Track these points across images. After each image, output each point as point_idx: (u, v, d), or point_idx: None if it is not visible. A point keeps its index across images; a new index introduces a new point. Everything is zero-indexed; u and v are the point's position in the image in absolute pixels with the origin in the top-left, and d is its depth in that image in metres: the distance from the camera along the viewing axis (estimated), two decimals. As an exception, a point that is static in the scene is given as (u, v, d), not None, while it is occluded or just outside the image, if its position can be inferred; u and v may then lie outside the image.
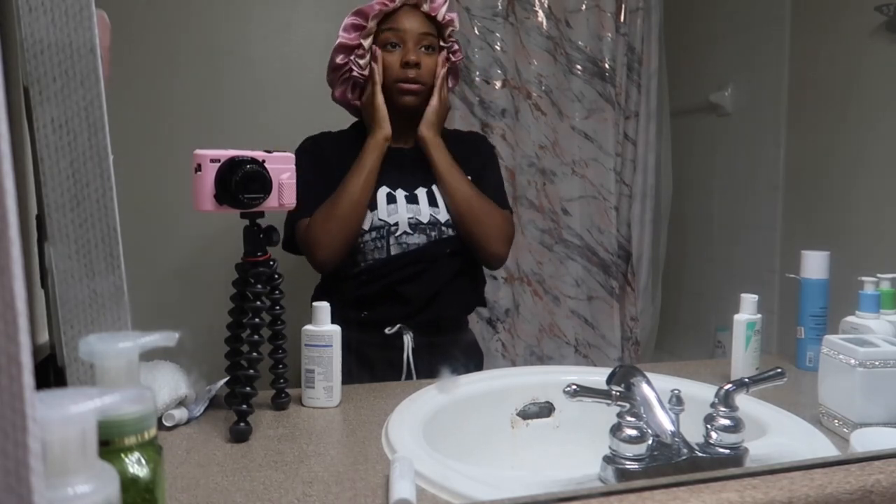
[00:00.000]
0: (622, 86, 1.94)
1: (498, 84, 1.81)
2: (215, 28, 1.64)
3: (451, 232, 1.18)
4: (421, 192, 1.19)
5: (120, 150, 0.62)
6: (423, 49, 1.16)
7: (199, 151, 0.76)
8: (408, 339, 1.16)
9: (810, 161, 1.87)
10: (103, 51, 0.60)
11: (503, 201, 1.28)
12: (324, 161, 1.17)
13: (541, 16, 1.86)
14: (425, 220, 1.17)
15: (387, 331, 1.16)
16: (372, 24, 1.14)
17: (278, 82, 1.67)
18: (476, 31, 1.78)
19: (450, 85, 1.26)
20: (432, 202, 1.18)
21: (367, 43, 1.15)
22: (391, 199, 1.17)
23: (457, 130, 1.43)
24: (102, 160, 0.59)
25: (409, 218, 1.16)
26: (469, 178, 1.21)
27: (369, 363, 1.14)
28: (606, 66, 1.90)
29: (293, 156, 0.82)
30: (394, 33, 1.15)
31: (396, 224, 1.15)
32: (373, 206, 1.15)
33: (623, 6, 1.92)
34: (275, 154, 0.80)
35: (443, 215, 1.18)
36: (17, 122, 0.70)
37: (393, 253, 1.15)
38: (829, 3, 1.81)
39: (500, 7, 1.79)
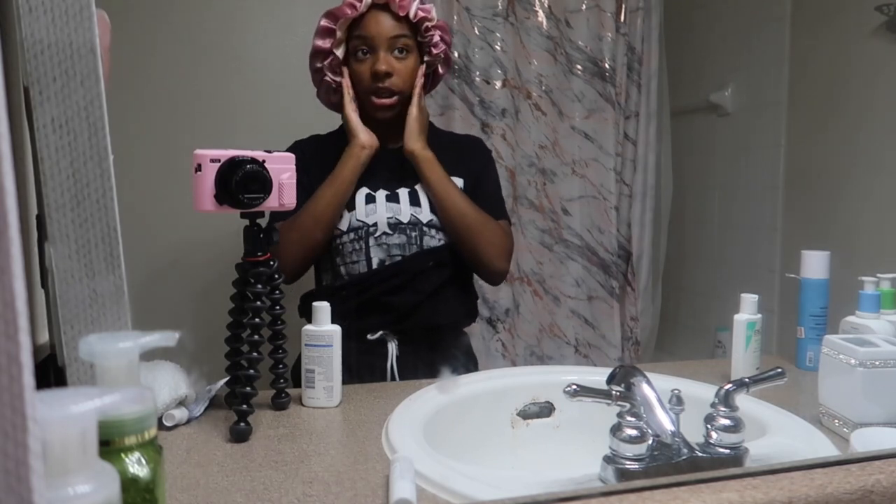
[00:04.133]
0: (622, 86, 1.94)
1: (498, 84, 1.81)
2: (216, 28, 1.64)
3: (433, 233, 1.15)
4: (403, 192, 1.15)
5: (120, 150, 0.62)
6: (396, 52, 1.12)
7: (199, 151, 0.76)
8: (392, 347, 1.14)
9: (810, 161, 1.87)
10: (103, 51, 0.60)
11: (501, 210, 1.24)
12: (304, 165, 1.14)
13: (541, 16, 1.86)
14: (405, 220, 1.13)
15: (369, 336, 1.13)
16: (341, 34, 1.12)
17: (279, 82, 1.67)
18: (476, 31, 1.78)
19: (441, 71, 1.22)
20: (414, 202, 1.15)
21: (339, 52, 1.13)
22: (370, 200, 1.14)
23: (452, 133, 1.41)
24: (102, 160, 0.59)
25: (389, 217, 1.13)
26: (463, 186, 1.18)
27: (353, 370, 1.11)
28: (606, 66, 1.90)
29: (293, 156, 0.82)
30: (363, 41, 1.11)
31: (375, 224, 1.12)
32: (350, 206, 1.13)
33: (623, 6, 1.92)
34: (275, 154, 0.80)
35: (425, 215, 1.14)
36: (18, 122, 0.70)
37: (373, 254, 1.13)
38: (829, 3, 1.81)
39: (500, 7, 1.79)
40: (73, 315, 0.59)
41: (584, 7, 1.88)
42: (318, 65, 1.15)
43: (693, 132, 2.25)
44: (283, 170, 0.80)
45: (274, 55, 1.67)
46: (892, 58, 1.62)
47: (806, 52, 1.88)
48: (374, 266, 1.13)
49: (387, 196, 1.15)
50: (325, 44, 1.12)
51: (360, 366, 1.10)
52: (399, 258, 1.13)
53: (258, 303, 0.80)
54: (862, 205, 1.70)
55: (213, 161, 0.76)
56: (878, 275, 1.00)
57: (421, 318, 1.15)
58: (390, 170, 1.16)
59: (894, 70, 1.62)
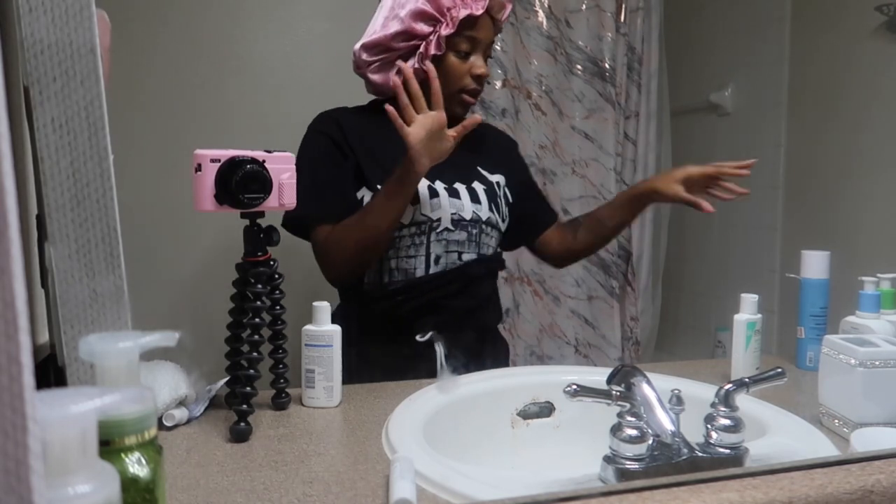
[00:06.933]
0: (622, 86, 1.94)
1: (498, 84, 1.81)
2: (215, 27, 1.64)
3: (489, 231, 1.14)
4: (461, 188, 1.13)
5: (120, 150, 0.62)
6: (485, 58, 1.13)
7: (199, 151, 0.76)
8: (439, 348, 1.08)
9: (810, 161, 1.86)
10: (103, 51, 0.60)
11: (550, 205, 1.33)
12: (345, 146, 1.11)
13: (541, 16, 1.86)
14: (468, 217, 1.11)
15: (418, 337, 1.08)
16: (452, 29, 1.05)
17: (278, 82, 1.67)
18: (476, 31, 1.78)
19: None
20: (475, 199, 1.13)
21: (441, 47, 1.07)
22: (433, 193, 1.10)
23: (493, 127, 1.36)
24: (102, 160, 0.59)
25: (453, 214, 1.10)
26: (505, 183, 1.21)
27: (401, 372, 1.04)
28: (606, 66, 1.90)
29: (293, 156, 0.82)
30: (470, 41, 1.08)
31: (439, 220, 1.09)
32: (414, 199, 1.07)
33: (623, 6, 1.92)
34: (275, 154, 0.80)
35: (484, 213, 1.13)
36: (18, 122, 0.70)
37: (432, 250, 1.10)
38: (829, 3, 1.81)
39: (500, 7, 1.79)
40: (73, 315, 0.59)
41: (584, 7, 1.88)
42: (400, 43, 1.07)
43: (693, 132, 2.25)
44: (283, 170, 0.80)
45: (274, 55, 1.67)
46: (892, 58, 1.62)
47: (806, 52, 1.88)
48: (432, 262, 1.11)
49: (446, 189, 1.12)
50: (420, 27, 1.06)
51: (406, 368, 1.06)
52: (455, 254, 1.12)
53: (258, 303, 0.80)
54: (862, 205, 1.70)
55: (213, 161, 0.76)
56: (878, 275, 1.00)
57: (474, 320, 1.15)
58: (452, 164, 1.09)
59: (894, 70, 1.62)
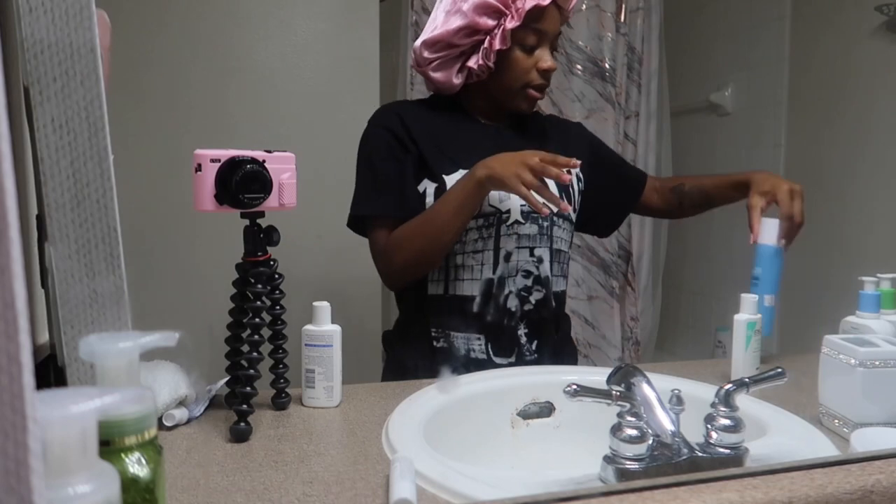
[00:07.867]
0: (622, 86, 1.94)
1: (498, 84, 1.80)
2: (215, 27, 1.64)
3: (561, 223, 1.10)
4: None
5: (120, 150, 0.62)
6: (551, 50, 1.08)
7: (199, 151, 0.76)
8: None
9: (810, 161, 1.87)
10: (103, 51, 0.60)
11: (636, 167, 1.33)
12: (407, 139, 1.07)
13: (541, 16, 1.86)
14: None
15: (497, 360, 1.06)
16: (519, 21, 1.00)
17: (278, 82, 1.67)
18: (476, 31, 1.78)
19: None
20: None
21: (506, 41, 1.02)
22: None
23: (556, 117, 1.32)
24: (102, 160, 0.59)
25: (522, 205, 1.05)
26: (601, 158, 1.18)
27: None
28: (606, 65, 1.90)
29: (293, 156, 0.82)
30: (536, 34, 1.03)
31: (508, 212, 1.05)
32: None
33: (623, 6, 1.92)
34: (275, 154, 0.80)
35: None
36: (18, 122, 0.70)
37: (502, 245, 1.05)
38: (829, 3, 1.81)
39: (500, 7, 1.79)
40: (73, 315, 0.59)
41: (584, 7, 1.88)
42: (461, 40, 1.03)
43: (693, 132, 2.25)
44: (283, 170, 0.80)
45: (273, 55, 1.68)
46: (892, 58, 1.62)
47: (806, 52, 1.88)
48: (501, 259, 1.07)
49: None
50: (484, 21, 1.01)
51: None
52: (527, 251, 1.08)
53: (258, 303, 0.80)
54: (862, 204, 1.70)
55: (213, 161, 0.76)
56: (878, 275, 1.00)
57: (556, 330, 1.13)
58: (511, 151, 1.02)
59: (894, 70, 1.62)
